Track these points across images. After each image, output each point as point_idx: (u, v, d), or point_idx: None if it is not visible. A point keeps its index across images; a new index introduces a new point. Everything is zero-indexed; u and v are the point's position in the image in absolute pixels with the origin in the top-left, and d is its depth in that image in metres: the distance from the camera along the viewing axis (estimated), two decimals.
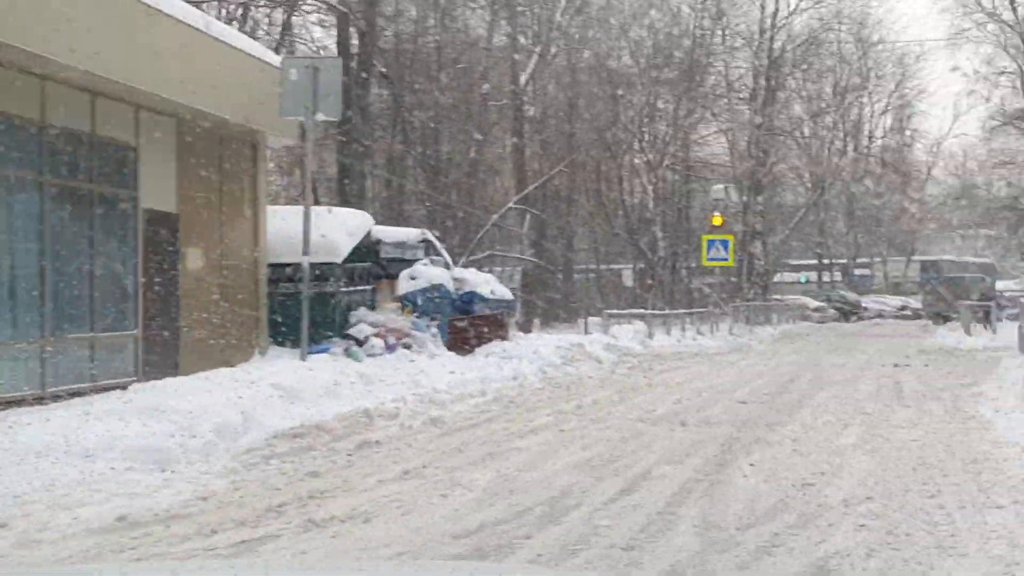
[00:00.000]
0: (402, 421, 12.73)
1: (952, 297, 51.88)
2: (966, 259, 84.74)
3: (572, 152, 42.21)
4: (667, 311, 31.10)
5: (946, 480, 9.23)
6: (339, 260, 19.41)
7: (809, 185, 63.56)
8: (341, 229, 19.66)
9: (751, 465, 10.08)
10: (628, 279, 49.92)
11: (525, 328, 28.14)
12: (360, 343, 18.12)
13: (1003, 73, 47.10)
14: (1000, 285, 59.87)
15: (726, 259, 35.54)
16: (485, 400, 15.32)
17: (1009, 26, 48.21)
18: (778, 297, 52.86)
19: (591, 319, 29.63)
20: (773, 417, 14.03)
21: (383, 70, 34.40)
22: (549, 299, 39.53)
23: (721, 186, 40.09)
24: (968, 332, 30.50)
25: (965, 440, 11.61)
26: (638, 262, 48.05)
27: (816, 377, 20.80)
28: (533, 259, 40.00)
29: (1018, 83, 49.60)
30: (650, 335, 27.91)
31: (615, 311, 29.90)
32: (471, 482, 9.07)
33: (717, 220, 36.31)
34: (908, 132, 72.65)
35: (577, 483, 9.12)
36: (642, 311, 31.22)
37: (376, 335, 18.40)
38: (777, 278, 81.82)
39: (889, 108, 69.18)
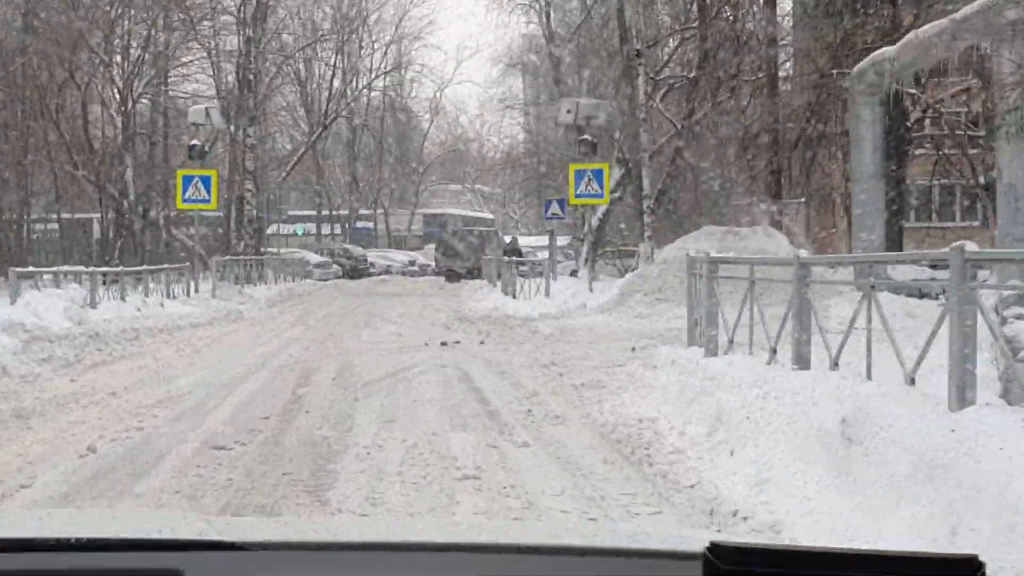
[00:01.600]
0: None
1: (468, 252, 46.82)
2: (469, 213, 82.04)
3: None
4: (123, 268, 22.33)
5: None
6: None
7: (306, 126, 56.39)
8: None
9: None
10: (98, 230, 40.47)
11: None
12: None
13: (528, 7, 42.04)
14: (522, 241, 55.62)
15: (206, 201, 27.22)
16: None
17: None
18: (274, 251, 44.90)
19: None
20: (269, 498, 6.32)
21: None
22: None
23: (202, 107, 31.59)
24: (511, 293, 24.37)
25: None
26: (109, 210, 38.69)
27: (341, 372, 13.30)
28: None
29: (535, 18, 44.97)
30: (92, 303, 19.13)
31: (32, 269, 20.64)
32: None
33: None
34: (410, 75, 67.24)
35: None
36: (81, 269, 22.20)
37: None
38: (272, 230, 74.32)
39: (392, 43, 63.21)
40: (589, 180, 25.10)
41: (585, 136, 25.47)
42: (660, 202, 24.88)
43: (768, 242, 24.49)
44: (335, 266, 50.51)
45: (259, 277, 36.22)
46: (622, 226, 41.50)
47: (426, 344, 16.59)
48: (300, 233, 74.09)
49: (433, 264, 55.46)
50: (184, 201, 28.51)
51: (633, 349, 14.21)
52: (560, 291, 22.84)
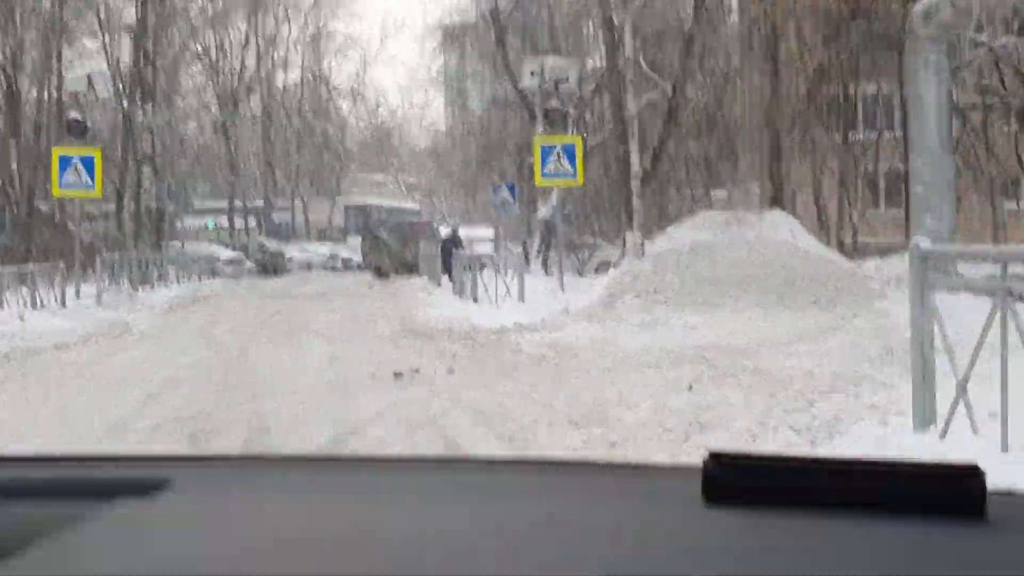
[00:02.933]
0: None
1: (399, 246, 41.88)
2: (394, 204, 76.91)
3: None
4: None
5: None
6: None
7: (216, 110, 51.06)
8: None
9: None
10: None
11: None
12: None
13: None
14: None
15: None
16: None
17: None
18: (178, 245, 39.14)
19: None
20: None
21: None
22: None
23: (83, 75, 26.34)
24: (472, 296, 19.43)
25: None
26: None
27: (250, 442, 8.39)
28: None
29: None
30: None
31: None
32: None
33: None
34: (333, 47, 61.75)
35: None
36: None
37: None
38: (179, 223, 68.51)
39: (311, 10, 57.73)
40: (559, 157, 20.48)
41: (553, 104, 20.80)
42: (648, 182, 20.24)
43: (779, 228, 20.08)
44: (249, 262, 45.33)
45: (160, 277, 31.11)
46: (567, 211, 36.75)
47: (373, 376, 11.80)
48: (211, 227, 68.37)
49: (359, 259, 50.50)
50: (61, 187, 23.38)
51: (690, 388, 9.60)
52: (528, 293, 18.16)
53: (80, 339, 16.74)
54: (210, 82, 50.74)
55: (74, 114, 24.57)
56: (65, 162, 22.90)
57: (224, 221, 64.36)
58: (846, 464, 1.36)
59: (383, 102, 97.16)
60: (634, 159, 18.84)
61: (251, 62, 53.44)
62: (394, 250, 41.74)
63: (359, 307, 24.52)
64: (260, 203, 64.60)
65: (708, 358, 11.58)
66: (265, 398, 10.44)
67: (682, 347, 13.00)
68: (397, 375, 11.65)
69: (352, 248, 56.07)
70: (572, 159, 20.46)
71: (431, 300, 20.04)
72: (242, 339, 17.17)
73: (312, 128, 62.18)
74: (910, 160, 16.37)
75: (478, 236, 48.34)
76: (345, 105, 67.82)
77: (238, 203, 62.83)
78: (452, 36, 45.41)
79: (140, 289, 27.21)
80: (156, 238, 32.76)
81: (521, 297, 17.72)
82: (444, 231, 50.36)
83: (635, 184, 18.88)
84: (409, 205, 78.37)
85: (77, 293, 22.97)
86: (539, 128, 36.06)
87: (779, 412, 8.28)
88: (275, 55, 55.12)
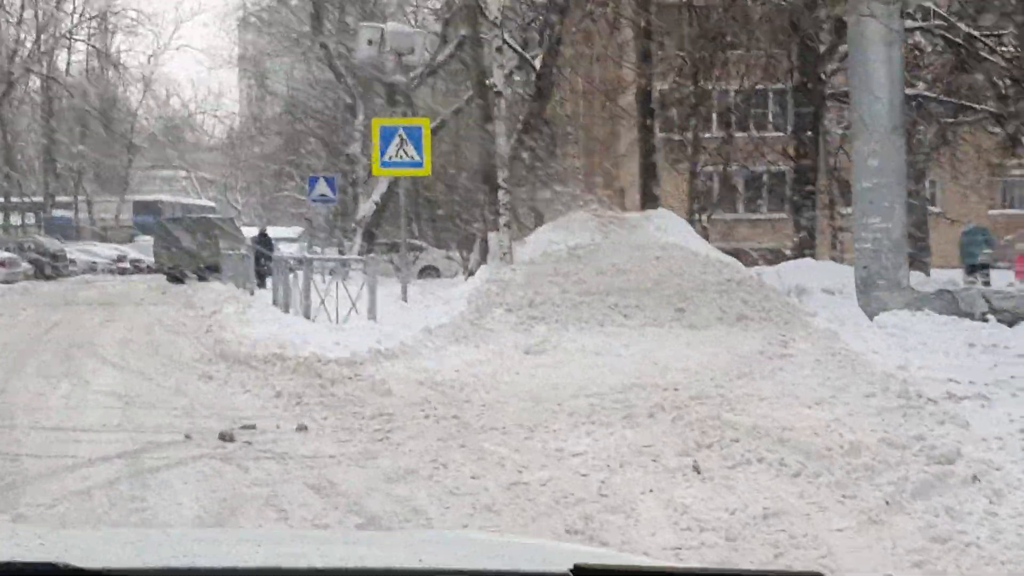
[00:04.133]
0: None
1: (196, 246, 37.38)
2: (188, 200, 71.47)
3: None
4: None
5: None
6: None
7: None
8: None
9: None
10: None
11: None
12: None
13: None
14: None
15: None
16: None
17: None
18: None
19: None
20: None
21: None
22: None
23: None
24: (304, 312, 15.48)
25: None
26: None
27: None
28: None
29: None
30: None
31: None
32: None
33: None
34: (124, 23, 56.10)
35: None
36: None
37: None
38: None
39: None
40: (402, 142, 16.96)
41: (396, 78, 17.30)
42: (513, 172, 16.89)
43: (668, 231, 17.11)
44: (25, 263, 39.95)
45: None
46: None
47: (187, 438, 8.10)
48: None
49: (150, 260, 45.57)
50: None
51: (697, 470, 6.27)
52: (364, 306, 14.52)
53: None
54: None
55: None
56: None
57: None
58: (700, 572, 1.53)
59: (175, 91, 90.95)
60: (501, 142, 15.50)
61: (28, 37, 47.68)
62: (191, 250, 37.22)
63: (153, 317, 20.48)
64: (39, 199, 58.53)
65: (664, 405, 8.34)
66: (21, 491, 6.65)
67: (605, 385, 9.75)
68: (225, 437, 7.99)
69: (142, 248, 51.02)
70: (419, 144, 16.98)
71: (248, 315, 16.15)
72: (3, 367, 13.07)
73: (100, 115, 56.45)
74: (854, 147, 13.61)
75: (280, 236, 43.97)
76: (134, 95, 62.23)
77: (15, 199, 56.69)
78: (254, 13, 41.00)
79: None
80: None
81: (372, 314, 14.02)
82: (247, 231, 46.02)
83: (502, 174, 15.55)
84: (204, 202, 73.13)
85: None
86: (360, 115, 32.51)
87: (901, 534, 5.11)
88: (56, 31, 49.28)
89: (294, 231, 52.19)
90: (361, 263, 14.91)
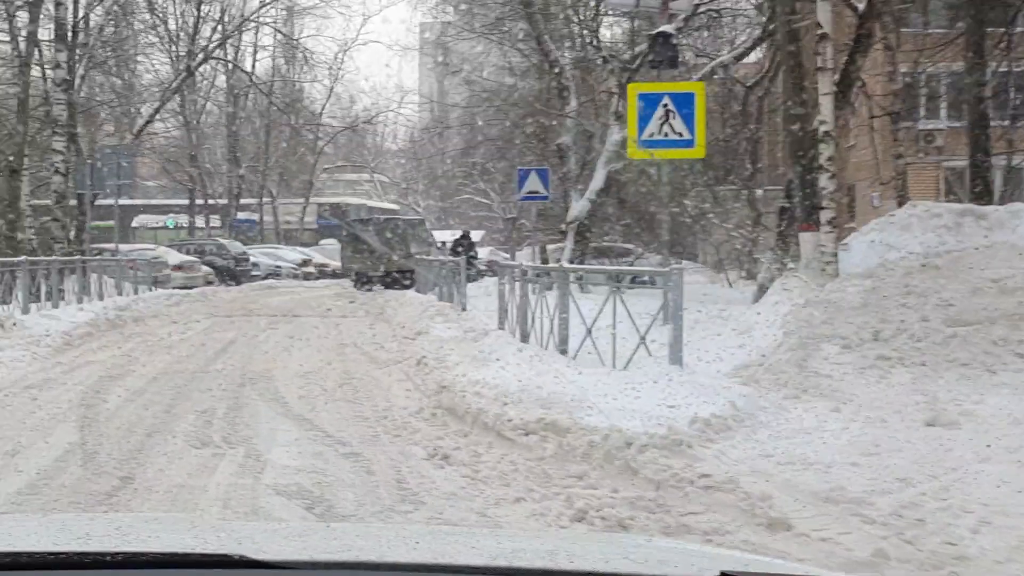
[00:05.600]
0: None
1: (386, 250, 34.05)
2: (373, 203, 68.95)
3: None
4: None
5: None
6: None
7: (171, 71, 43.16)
8: None
9: None
10: None
11: None
12: None
13: None
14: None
15: None
16: None
17: None
18: (111, 249, 30.62)
19: None
20: None
21: None
22: None
23: None
24: (559, 346, 11.26)
25: None
26: None
27: None
28: None
29: None
30: None
31: None
32: None
33: None
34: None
35: None
36: None
37: None
38: (138, 221, 60.22)
39: None
40: (668, 115, 12.78)
41: (664, 27, 13.13)
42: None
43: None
44: (205, 268, 37.36)
45: (82, 289, 23.25)
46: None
47: None
48: (171, 226, 60.53)
49: (335, 264, 42.77)
50: None
51: None
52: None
53: None
54: (159, 40, 42.63)
55: None
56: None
57: (184, 219, 56.44)
58: None
59: (357, 95, 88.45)
60: (825, 104, 11.05)
61: (212, 35, 45.41)
62: (380, 255, 33.94)
63: (346, 337, 16.88)
64: (225, 201, 56.65)
65: None
66: None
67: None
68: None
69: (327, 252, 48.40)
70: (689, 118, 12.78)
71: (474, 346, 12.07)
72: (149, 415, 9.39)
73: (286, 107, 54.06)
74: None
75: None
76: (319, 91, 59.66)
77: (200, 201, 54.90)
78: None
79: (43, 306, 19.57)
80: (77, 237, 24.88)
81: (676, 356, 9.55)
82: (439, 235, 42.67)
83: (826, 150, 11.13)
84: (388, 205, 70.58)
85: None
86: (572, 100, 28.50)
87: None
88: (242, 11, 46.81)
89: (476, 234, 48.82)
90: (661, 276, 10.54)
